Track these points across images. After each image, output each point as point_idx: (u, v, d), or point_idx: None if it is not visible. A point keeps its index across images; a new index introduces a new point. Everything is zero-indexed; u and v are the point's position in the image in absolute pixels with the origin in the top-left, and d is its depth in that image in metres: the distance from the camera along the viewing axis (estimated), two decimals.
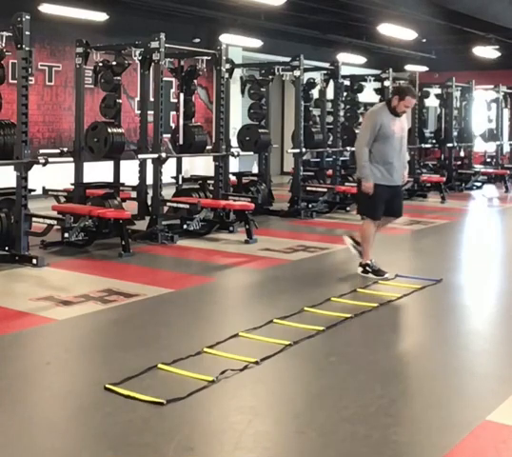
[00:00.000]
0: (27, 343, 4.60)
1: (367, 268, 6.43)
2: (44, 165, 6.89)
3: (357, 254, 6.63)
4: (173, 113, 11.10)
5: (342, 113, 11.66)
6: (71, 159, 8.36)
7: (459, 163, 15.44)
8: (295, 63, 10.23)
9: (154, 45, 8.05)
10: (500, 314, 5.55)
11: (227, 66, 9.42)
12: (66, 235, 7.38)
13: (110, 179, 8.72)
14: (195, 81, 9.29)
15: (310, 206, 10.56)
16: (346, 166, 12.31)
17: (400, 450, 3.18)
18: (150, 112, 8.46)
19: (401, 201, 6.70)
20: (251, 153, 10.57)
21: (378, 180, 6.30)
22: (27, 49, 6.66)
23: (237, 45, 14.08)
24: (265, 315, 5.06)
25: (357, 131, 12.12)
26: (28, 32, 6.65)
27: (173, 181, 9.38)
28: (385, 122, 6.29)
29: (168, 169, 8.87)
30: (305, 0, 12.12)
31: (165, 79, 8.24)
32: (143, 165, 8.62)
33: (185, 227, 8.38)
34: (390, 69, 12.28)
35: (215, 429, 3.38)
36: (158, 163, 8.23)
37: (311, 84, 11.51)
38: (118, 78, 8.40)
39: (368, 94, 12.83)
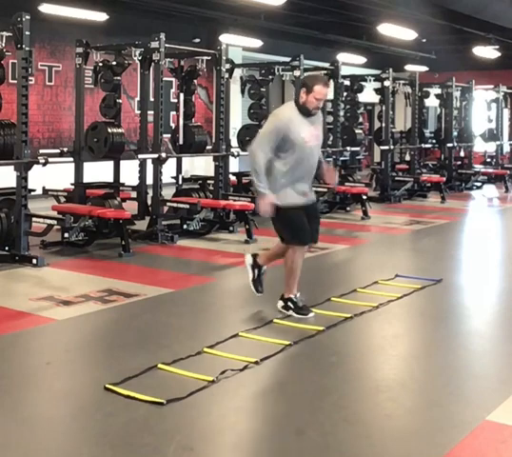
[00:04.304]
0: (27, 343, 4.60)
1: (289, 304, 5.17)
2: (44, 165, 6.90)
3: (251, 278, 5.44)
4: (173, 113, 11.10)
5: (342, 113, 11.66)
6: (71, 159, 8.36)
7: (459, 163, 15.45)
8: (295, 63, 10.21)
9: (154, 45, 8.05)
10: (500, 314, 5.54)
11: (227, 66, 9.42)
12: (66, 235, 7.38)
13: (110, 179, 8.72)
14: (195, 81, 9.29)
15: None
16: (346, 166, 12.33)
17: (400, 450, 3.18)
18: (150, 112, 8.47)
19: (317, 223, 5.35)
20: None
21: (291, 200, 5.03)
22: (27, 49, 6.66)
23: (237, 45, 14.09)
24: (264, 315, 5.07)
25: (358, 131, 12.19)
26: (28, 32, 6.66)
27: (173, 181, 9.38)
28: (294, 127, 4.95)
29: (168, 169, 8.87)
30: (304, 0, 12.12)
31: (165, 79, 8.25)
32: (143, 165, 8.62)
33: (185, 227, 8.38)
34: (390, 69, 12.29)
35: (215, 429, 3.38)
36: (158, 163, 8.23)
37: None
38: (118, 78, 8.40)
39: (368, 94, 12.84)
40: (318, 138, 5.20)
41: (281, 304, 5.22)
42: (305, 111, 5.02)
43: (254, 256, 5.49)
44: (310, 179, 5.21)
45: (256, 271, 5.45)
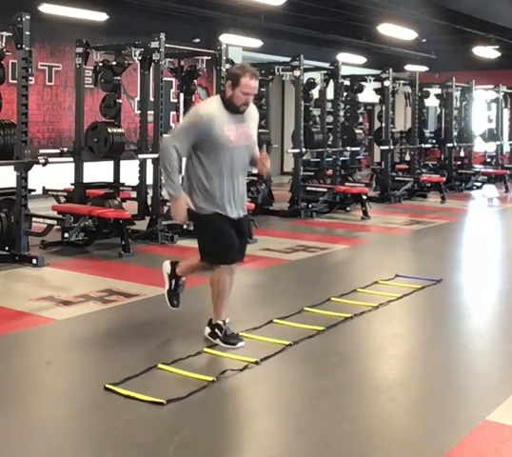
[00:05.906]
0: (27, 343, 4.60)
1: (216, 331, 4.48)
2: (44, 165, 6.89)
3: (166, 288, 4.85)
4: (173, 113, 11.10)
5: (342, 113, 11.67)
6: (71, 159, 8.36)
7: (459, 163, 15.45)
8: (295, 63, 10.23)
9: (154, 45, 8.06)
10: (500, 314, 5.55)
11: (227, 66, 9.42)
12: (66, 235, 7.38)
13: (110, 179, 8.72)
14: (195, 81, 9.30)
15: (310, 206, 10.56)
16: (346, 166, 12.33)
17: (400, 450, 3.18)
18: (150, 112, 8.47)
19: (243, 240, 4.57)
20: None
21: (213, 206, 4.33)
22: (27, 49, 6.66)
23: (237, 45, 14.09)
24: (265, 315, 5.06)
25: (358, 131, 12.19)
26: (28, 32, 6.66)
27: None
28: (217, 124, 4.25)
29: None
30: (304, 0, 12.12)
31: (165, 79, 8.26)
32: (143, 165, 8.63)
33: (185, 226, 8.37)
34: (390, 69, 12.29)
35: (215, 430, 3.38)
36: (158, 163, 8.23)
37: (311, 84, 11.51)
38: (118, 78, 8.40)
39: (368, 94, 12.84)
40: (248, 138, 4.44)
41: (208, 330, 4.54)
42: (232, 108, 4.34)
43: (173, 265, 4.79)
44: (238, 188, 4.41)
45: (173, 282, 4.82)
